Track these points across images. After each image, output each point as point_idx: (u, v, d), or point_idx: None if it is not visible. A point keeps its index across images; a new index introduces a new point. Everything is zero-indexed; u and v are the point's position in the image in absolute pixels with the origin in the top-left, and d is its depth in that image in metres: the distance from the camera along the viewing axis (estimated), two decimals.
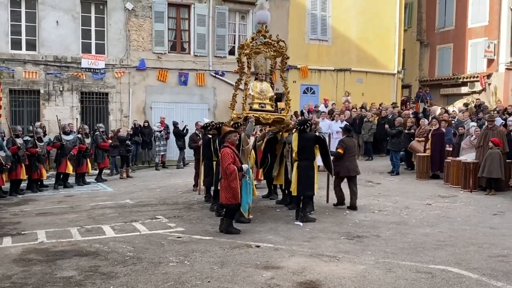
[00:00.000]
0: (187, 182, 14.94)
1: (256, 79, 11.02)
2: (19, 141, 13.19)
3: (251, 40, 10.88)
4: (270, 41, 10.91)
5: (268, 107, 10.90)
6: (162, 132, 18.85)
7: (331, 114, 19.38)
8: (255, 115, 10.40)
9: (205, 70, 20.76)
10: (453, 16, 26.92)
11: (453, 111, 19.65)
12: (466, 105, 21.52)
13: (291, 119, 12.26)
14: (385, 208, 10.82)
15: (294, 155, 9.75)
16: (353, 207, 10.64)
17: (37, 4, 18.46)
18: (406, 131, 16.32)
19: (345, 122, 16.80)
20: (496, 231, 8.71)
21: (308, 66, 22.38)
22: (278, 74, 11.77)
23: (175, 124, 18.99)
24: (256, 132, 13.12)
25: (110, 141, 16.51)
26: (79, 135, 15.36)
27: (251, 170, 9.96)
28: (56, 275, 6.32)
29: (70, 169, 14.76)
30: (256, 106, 10.73)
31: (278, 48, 11.03)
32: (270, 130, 11.54)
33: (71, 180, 15.19)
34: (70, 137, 14.89)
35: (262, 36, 10.94)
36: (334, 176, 10.70)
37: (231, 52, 21.01)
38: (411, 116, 17.90)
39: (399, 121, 16.82)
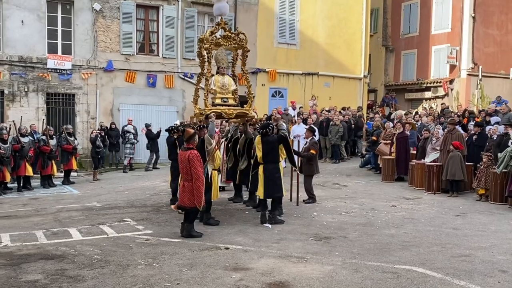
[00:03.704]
0: (156, 184, 14.85)
1: (217, 73, 10.79)
2: None
3: (210, 33, 10.59)
4: (229, 34, 10.70)
5: (231, 101, 10.66)
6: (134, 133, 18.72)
7: (299, 116, 19.50)
8: (217, 110, 10.17)
9: (174, 72, 20.62)
10: (417, 23, 27.60)
11: (418, 114, 20.06)
12: (429, 109, 21.99)
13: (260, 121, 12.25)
14: (351, 209, 11.00)
15: (259, 159, 9.79)
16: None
17: (1, 3, 18.01)
18: (365, 133, 16.83)
19: (303, 125, 17.13)
20: (458, 232, 8.97)
21: (276, 69, 22.47)
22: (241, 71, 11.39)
23: (147, 126, 18.84)
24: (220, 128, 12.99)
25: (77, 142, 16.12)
26: (44, 137, 15.07)
27: (216, 172, 9.92)
28: (21, 279, 6.20)
29: (30, 171, 14.45)
30: (218, 101, 10.51)
31: (238, 41, 10.79)
32: (235, 123, 11.41)
33: (37, 182, 14.89)
34: (26, 139, 14.56)
35: (222, 29, 10.74)
36: (304, 175, 11.50)
37: None
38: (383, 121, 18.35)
39: (376, 125, 17.27)
